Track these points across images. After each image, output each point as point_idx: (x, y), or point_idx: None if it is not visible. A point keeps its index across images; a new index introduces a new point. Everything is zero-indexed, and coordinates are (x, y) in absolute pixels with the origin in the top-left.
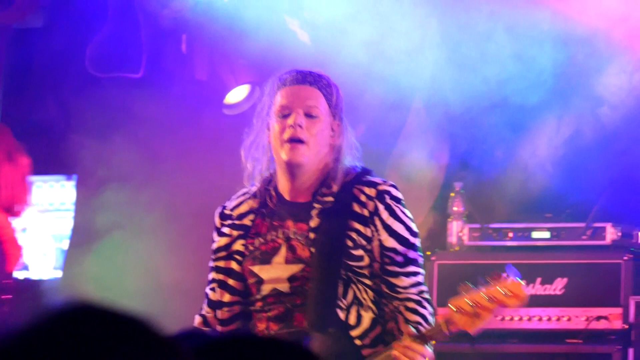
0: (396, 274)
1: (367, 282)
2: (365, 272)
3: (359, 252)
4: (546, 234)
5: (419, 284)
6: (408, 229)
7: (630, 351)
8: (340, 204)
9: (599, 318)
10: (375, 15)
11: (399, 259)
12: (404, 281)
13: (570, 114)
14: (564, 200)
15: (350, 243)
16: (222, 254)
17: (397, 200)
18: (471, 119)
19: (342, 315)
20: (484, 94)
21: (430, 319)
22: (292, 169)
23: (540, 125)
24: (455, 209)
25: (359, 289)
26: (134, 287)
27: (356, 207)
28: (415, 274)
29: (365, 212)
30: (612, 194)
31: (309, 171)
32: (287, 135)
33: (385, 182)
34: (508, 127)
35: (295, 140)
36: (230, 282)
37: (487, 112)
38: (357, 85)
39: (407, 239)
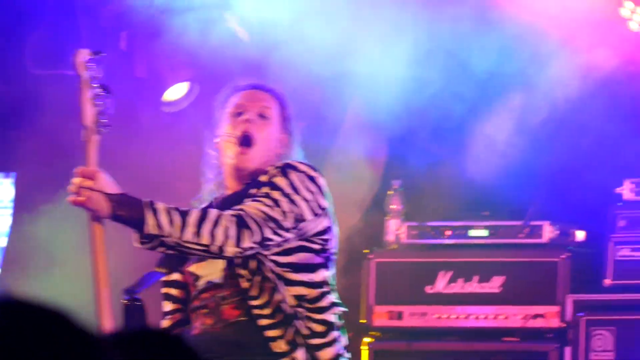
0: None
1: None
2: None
3: None
4: (484, 232)
5: (250, 206)
6: (291, 185)
7: (567, 350)
8: (254, 181)
9: (536, 316)
10: (315, 14)
11: (259, 194)
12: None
13: (509, 112)
14: (502, 199)
15: None
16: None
17: (298, 170)
18: (410, 117)
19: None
20: (423, 91)
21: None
22: (237, 172)
23: (478, 124)
24: (393, 206)
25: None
26: (72, 283)
27: (262, 177)
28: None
29: (264, 178)
30: (550, 192)
31: (252, 174)
32: (239, 130)
33: (300, 161)
34: (447, 125)
35: (244, 143)
36: (173, 291)
37: (426, 110)
38: (295, 82)
39: (283, 189)
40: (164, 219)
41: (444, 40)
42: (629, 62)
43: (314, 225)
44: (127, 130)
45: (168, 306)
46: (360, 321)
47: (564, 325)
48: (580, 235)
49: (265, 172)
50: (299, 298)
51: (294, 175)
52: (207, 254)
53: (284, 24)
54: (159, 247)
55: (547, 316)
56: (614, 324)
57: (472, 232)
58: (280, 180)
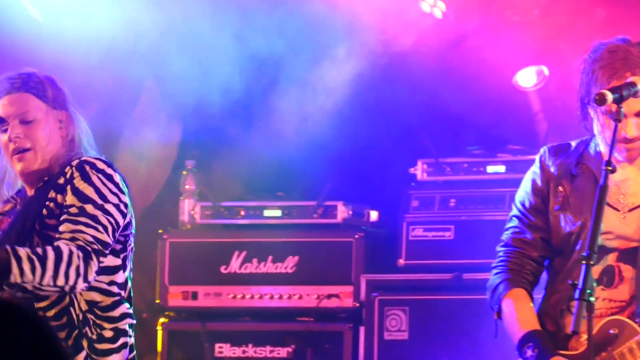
0: (64, 221)
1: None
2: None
3: (52, 221)
4: (278, 213)
5: (80, 232)
6: (98, 192)
7: (361, 329)
8: (51, 181)
9: (330, 296)
10: None
11: (73, 210)
12: (65, 226)
13: (303, 92)
14: (296, 179)
15: (45, 212)
16: None
17: (97, 169)
18: (204, 99)
19: None
20: (217, 75)
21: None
22: (25, 176)
23: (272, 104)
24: (187, 187)
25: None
26: None
27: (60, 180)
28: (85, 224)
29: (62, 181)
30: (344, 172)
31: (41, 170)
32: (10, 149)
33: (95, 157)
34: (240, 107)
35: (20, 151)
36: None
37: (220, 93)
38: (89, 64)
39: (95, 201)
40: (26, 267)
41: (235, 19)
42: (423, 43)
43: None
44: None
45: None
46: (156, 301)
47: (358, 305)
48: (373, 215)
49: (60, 173)
50: (91, 304)
51: (95, 178)
52: (60, 292)
53: (80, 3)
54: (17, 292)
55: (342, 296)
56: (407, 304)
57: (267, 213)
58: (85, 188)
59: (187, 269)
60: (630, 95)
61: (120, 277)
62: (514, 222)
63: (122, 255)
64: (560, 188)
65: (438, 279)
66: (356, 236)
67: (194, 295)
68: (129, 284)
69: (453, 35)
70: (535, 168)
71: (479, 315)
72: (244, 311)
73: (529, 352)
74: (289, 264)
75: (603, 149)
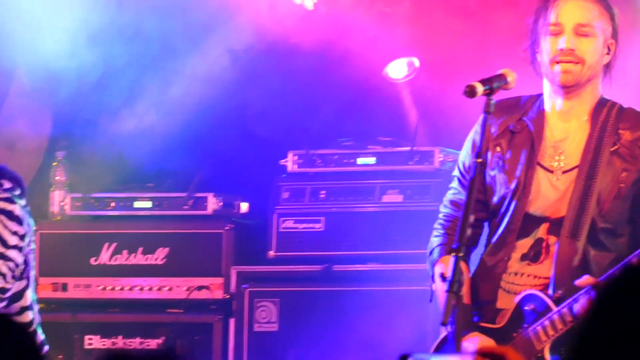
0: None
1: None
2: None
3: None
4: (148, 204)
5: None
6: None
7: (232, 321)
8: None
9: (200, 288)
10: None
11: None
12: None
13: (172, 82)
14: (166, 170)
15: None
16: None
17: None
18: (76, 89)
19: None
20: (88, 65)
21: None
22: None
23: (142, 95)
24: (57, 178)
25: None
26: None
27: None
28: None
29: None
30: (214, 163)
31: None
32: None
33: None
34: (111, 98)
35: None
36: None
37: (92, 83)
38: None
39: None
40: None
41: (116, 14)
42: (295, 35)
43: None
44: None
45: None
46: None
47: (228, 296)
48: (244, 206)
49: None
50: None
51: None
52: None
53: None
54: None
55: (212, 288)
56: (277, 296)
57: (137, 204)
58: None
59: (57, 260)
60: (501, 87)
61: (28, 299)
62: (455, 183)
63: (25, 276)
64: (498, 148)
65: (308, 270)
66: (226, 228)
67: (64, 287)
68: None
69: (324, 27)
70: (476, 126)
71: (350, 307)
72: (114, 303)
73: (449, 328)
74: (159, 256)
75: (546, 91)
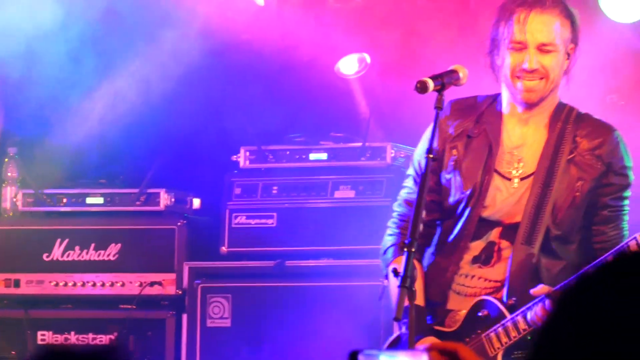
0: None
1: None
2: None
3: None
4: (100, 200)
5: None
6: None
7: (184, 317)
8: None
9: (152, 284)
10: None
11: None
12: None
13: (125, 78)
14: (118, 166)
15: None
16: None
17: None
18: (26, 86)
19: None
20: (39, 61)
21: None
22: None
23: (94, 91)
24: (9, 174)
25: None
26: None
27: None
28: None
29: None
30: (166, 159)
31: None
32: None
33: None
34: (62, 94)
35: None
36: None
37: (42, 80)
38: None
39: None
40: None
41: (58, 14)
42: (246, 31)
43: None
44: None
45: None
46: None
47: (181, 292)
48: (196, 202)
49: None
50: None
51: None
52: None
53: None
54: None
55: (164, 283)
56: (230, 291)
57: (89, 200)
58: None
59: (9, 256)
60: (452, 83)
61: None
62: (409, 182)
63: None
64: (455, 151)
65: (261, 266)
66: (179, 223)
67: (16, 283)
68: None
69: (275, 23)
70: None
71: (302, 302)
72: (66, 299)
73: (403, 329)
74: (111, 252)
75: (505, 96)
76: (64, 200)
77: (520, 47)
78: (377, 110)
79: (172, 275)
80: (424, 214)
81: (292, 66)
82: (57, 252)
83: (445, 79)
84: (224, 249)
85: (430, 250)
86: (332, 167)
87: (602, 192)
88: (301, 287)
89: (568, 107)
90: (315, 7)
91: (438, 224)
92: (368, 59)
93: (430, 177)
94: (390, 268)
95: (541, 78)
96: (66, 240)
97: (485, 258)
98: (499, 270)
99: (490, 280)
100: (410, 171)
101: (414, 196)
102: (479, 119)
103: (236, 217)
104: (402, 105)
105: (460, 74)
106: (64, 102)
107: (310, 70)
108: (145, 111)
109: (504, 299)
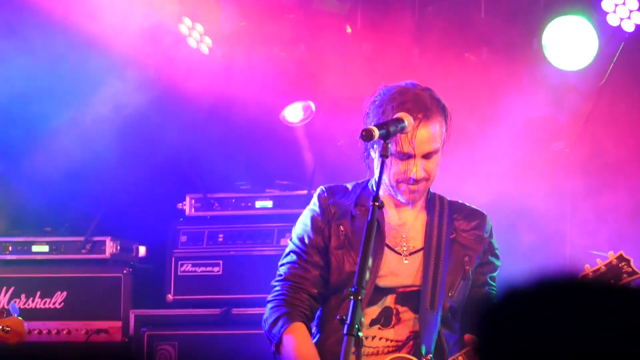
0: None
1: None
2: None
3: None
4: (45, 248)
5: None
6: None
7: None
8: None
9: (99, 331)
10: None
11: None
12: None
13: (68, 130)
14: (64, 214)
15: None
16: None
17: None
18: None
19: None
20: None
21: None
22: None
23: (43, 139)
24: None
25: None
26: None
27: None
28: None
29: None
30: (112, 207)
31: None
32: None
33: None
34: (9, 142)
35: None
36: None
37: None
38: None
39: None
40: None
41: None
42: (191, 79)
43: None
44: None
45: None
46: None
47: (127, 340)
48: (142, 250)
49: None
50: None
51: None
52: None
53: None
54: None
55: (111, 331)
56: (176, 339)
57: (35, 248)
58: None
59: None
60: (397, 131)
61: None
62: (292, 257)
63: None
64: (342, 227)
65: (207, 314)
66: (125, 271)
67: None
68: None
69: (220, 71)
70: (314, 207)
71: (248, 350)
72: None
73: None
74: (57, 300)
75: (382, 191)
76: (10, 248)
77: (407, 157)
78: (322, 158)
79: (118, 323)
80: (312, 289)
81: (237, 114)
82: (2, 300)
83: (390, 127)
84: (169, 296)
85: (320, 322)
86: (278, 215)
87: (482, 271)
88: (247, 335)
89: (438, 195)
90: (260, 55)
91: (324, 298)
92: (313, 106)
93: (317, 254)
94: (286, 341)
95: (426, 180)
96: (12, 288)
97: (385, 320)
98: (399, 332)
99: (391, 340)
100: (292, 247)
101: (299, 272)
102: (357, 201)
103: (182, 264)
104: (348, 152)
105: (406, 122)
106: (10, 149)
107: (256, 118)
108: (90, 159)
109: (423, 352)
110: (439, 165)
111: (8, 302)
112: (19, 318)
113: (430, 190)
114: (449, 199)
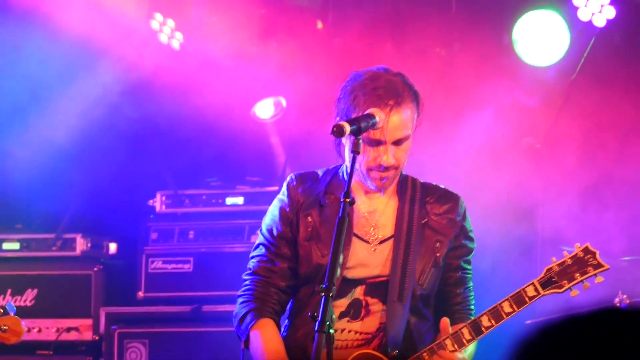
0: None
1: None
2: None
3: None
4: (16, 245)
5: None
6: None
7: None
8: None
9: (69, 329)
10: None
11: None
12: None
13: (39, 125)
14: (34, 211)
15: None
16: None
17: None
18: None
19: None
20: None
21: None
22: None
23: (10, 136)
24: None
25: None
26: None
27: None
28: None
29: None
30: (82, 204)
31: None
32: None
33: None
34: None
35: None
36: None
37: None
38: None
39: None
40: None
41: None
42: (162, 74)
43: None
44: None
45: None
46: None
47: (98, 338)
48: (112, 247)
49: None
50: None
51: None
52: None
53: None
54: None
55: (81, 329)
56: (147, 337)
57: (5, 245)
58: None
59: None
60: (369, 127)
61: None
62: (261, 250)
63: None
64: (310, 218)
65: (178, 311)
66: (95, 269)
67: None
68: None
69: (191, 67)
70: (283, 197)
71: (219, 347)
72: None
73: None
74: (28, 297)
75: (354, 173)
76: None
77: (377, 143)
78: (292, 154)
79: (89, 321)
80: (281, 282)
81: (208, 110)
82: None
83: (361, 123)
84: (140, 294)
85: (291, 314)
86: (248, 211)
87: (455, 255)
88: (218, 332)
89: (410, 177)
90: (231, 51)
91: (294, 290)
92: (284, 102)
93: (285, 246)
94: (253, 337)
95: (395, 168)
96: None
97: (354, 313)
98: (369, 324)
99: (360, 333)
100: (261, 240)
101: (269, 265)
102: (327, 189)
103: (153, 262)
104: (319, 149)
105: (377, 118)
106: None
107: (227, 114)
108: (60, 156)
109: (388, 349)
110: (409, 152)
111: None
112: (16, 317)
113: (403, 172)
114: (421, 180)
